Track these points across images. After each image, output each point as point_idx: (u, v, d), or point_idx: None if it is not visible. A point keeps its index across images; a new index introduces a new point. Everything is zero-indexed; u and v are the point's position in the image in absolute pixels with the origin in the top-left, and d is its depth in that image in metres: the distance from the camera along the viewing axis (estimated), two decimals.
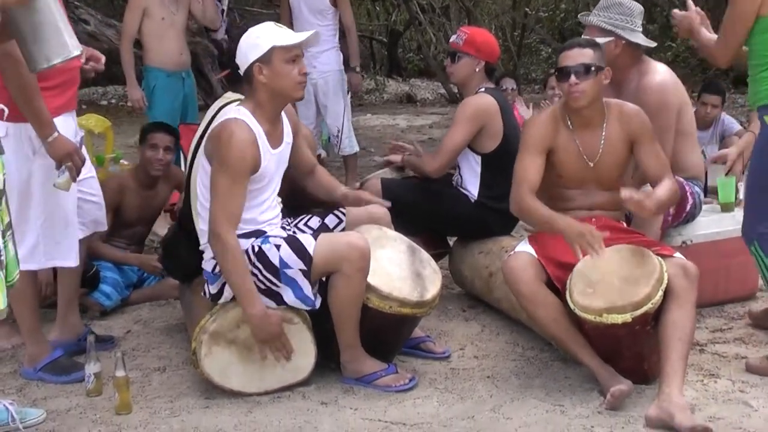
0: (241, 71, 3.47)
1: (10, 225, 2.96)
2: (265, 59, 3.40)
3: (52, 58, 2.94)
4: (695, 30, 3.61)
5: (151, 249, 5.14)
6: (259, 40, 3.44)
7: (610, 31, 4.07)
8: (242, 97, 3.72)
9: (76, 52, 2.98)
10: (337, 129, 6.83)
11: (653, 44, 4.25)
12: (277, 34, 3.45)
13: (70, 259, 3.75)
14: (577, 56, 3.53)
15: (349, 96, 7.03)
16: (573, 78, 3.50)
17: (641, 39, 4.12)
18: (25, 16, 2.91)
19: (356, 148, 7.04)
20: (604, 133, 3.61)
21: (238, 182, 3.36)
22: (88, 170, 3.93)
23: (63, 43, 2.93)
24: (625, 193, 3.29)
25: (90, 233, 4.06)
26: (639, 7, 4.18)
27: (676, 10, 3.77)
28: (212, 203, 3.38)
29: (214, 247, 3.38)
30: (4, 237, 2.89)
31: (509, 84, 6.70)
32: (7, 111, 2.92)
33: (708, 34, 3.60)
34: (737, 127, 6.61)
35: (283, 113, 3.60)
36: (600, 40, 4.04)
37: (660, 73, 4.11)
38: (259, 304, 3.38)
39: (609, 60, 4.03)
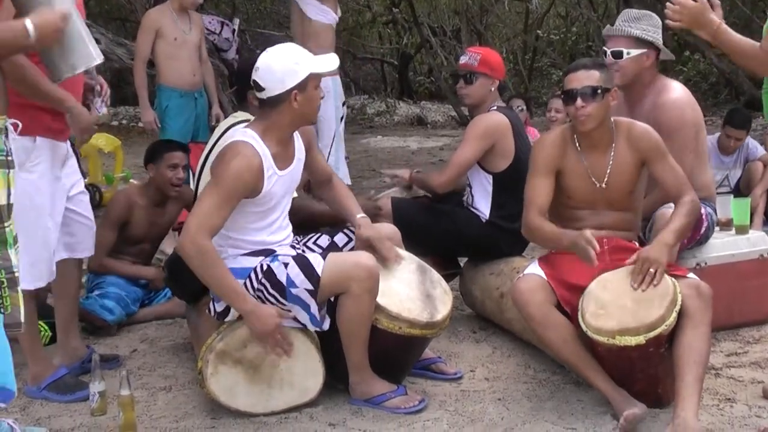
0: (271, 94, 3.35)
1: (16, 239, 2.92)
2: (302, 86, 3.35)
3: (77, 66, 2.95)
4: (706, 22, 3.04)
5: (159, 267, 5.09)
6: (297, 66, 3.35)
7: (648, 41, 4.01)
8: (250, 116, 3.70)
9: (99, 60, 3.00)
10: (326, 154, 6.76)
11: (672, 56, 4.17)
12: (311, 60, 3.40)
13: (40, 281, 3.59)
14: (584, 78, 3.46)
15: (342, 123, 6.98)
16: (579, 101, 3.44)
17: (666, 52, 4.06)
18: None
19: (347, 180, 6.88)
20: (612, 154, 3.55)
21: (228, 202, 3.29)
22: (79, 187, 3.87)
23: (87, 52, 2.94)
24: (632, 259, 3.26)
25: (79, 256, 3.93)
26: (660, 21, 4.10)
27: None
28: (194, 210, 3.31)
29: (189, 252, 3.24)
30: (15, 249, 2.85)
31: (517, 104, 6.68)
32: (21, 125, 2.90)
33: (737, 36, 3.06)
34: (761, 151, 6.59)
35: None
36: (634, 51, 4.00)
37: (676, 90, 4.06)
38: (250, 299, 3.33)
39: (636, 73, 4.01)
